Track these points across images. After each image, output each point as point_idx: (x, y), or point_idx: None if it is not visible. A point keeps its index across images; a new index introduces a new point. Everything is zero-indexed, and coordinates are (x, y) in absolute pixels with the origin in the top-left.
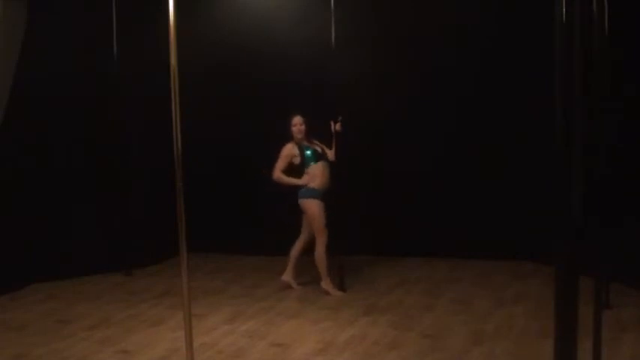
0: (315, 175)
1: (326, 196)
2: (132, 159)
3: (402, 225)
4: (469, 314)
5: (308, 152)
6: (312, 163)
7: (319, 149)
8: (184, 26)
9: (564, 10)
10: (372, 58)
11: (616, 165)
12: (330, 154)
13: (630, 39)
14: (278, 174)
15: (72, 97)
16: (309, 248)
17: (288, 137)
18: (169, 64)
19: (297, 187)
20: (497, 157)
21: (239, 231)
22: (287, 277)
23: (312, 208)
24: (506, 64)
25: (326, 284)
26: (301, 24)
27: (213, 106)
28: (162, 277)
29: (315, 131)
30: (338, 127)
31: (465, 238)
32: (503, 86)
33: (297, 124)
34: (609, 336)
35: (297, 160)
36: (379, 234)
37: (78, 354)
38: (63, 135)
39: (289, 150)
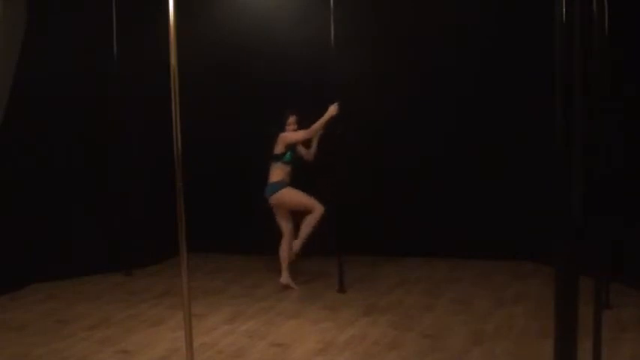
0: (278, 174)
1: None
2: (132, 159)
3: (402, 225)
4: (469, 314)
5: (288, 155)
6: (282, 162)
7: (295, 154)
8: (184, 26)
9: (564, 10)
10: (372, 58)
11: (616, 165)
12: (309, 153)
13: (630, 39)
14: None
15: (72, 97)
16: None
17: None
18: (169, 64)
19: (328, 121)
20: (497, 157)
21: (239, 231)
22: (284, 279)
23: (287, 195)
24: (506, 64)
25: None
26: (301, 24)
27: (213, 106)
28: (162, 277)
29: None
30: (333, 109)
31: (465, 238)
32: (503, 86)
33: (292, 123)
34: (609, 336)
35: (277, 150)
36: (379, 234)
37: (78, 354)
38: (63, 135)
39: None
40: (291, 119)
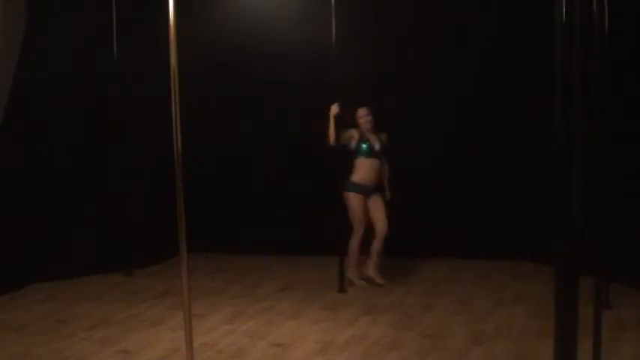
0: (360, 170)
1: (371, 191)
2: (132, 159)
3: (402, 225)
4: (469, 314)
5: (364, 146)
6: (362, 156)
7: (377, 146)
8: (184, 26)
9: (564, 10)
10: (372, 58)
11: (616, 165)
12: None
13: (630, 39)
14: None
15: (72, 97)
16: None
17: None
18: (169, 64)
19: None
20: (497, 157)
21: (239, 231)
22: (369, 271)
23: (351, 199)
24: (506, 64)
25: (350, 273)
26: (301, 24)
27: (213, 106)
28: (162, 277)
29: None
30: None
31: (465, 238)
32: (503, 86)
33: (364, 115)
34: (609, 336)
35: (352, 145)
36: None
37: (78, 354)
38: (63, 135)
39: (351, 133)
40: (362, 112)
